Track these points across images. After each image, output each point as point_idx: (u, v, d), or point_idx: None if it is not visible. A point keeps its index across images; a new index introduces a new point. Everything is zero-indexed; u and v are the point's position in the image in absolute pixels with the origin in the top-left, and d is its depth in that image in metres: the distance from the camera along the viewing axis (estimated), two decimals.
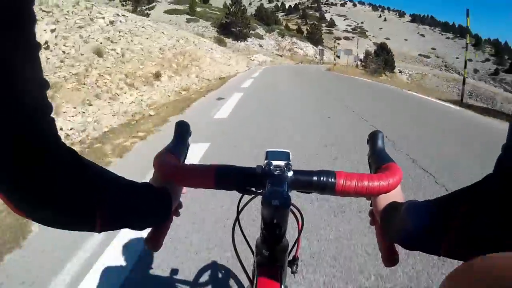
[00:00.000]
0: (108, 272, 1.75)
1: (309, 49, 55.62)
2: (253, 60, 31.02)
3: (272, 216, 0.47)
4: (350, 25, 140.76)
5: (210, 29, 46.30)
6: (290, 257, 0.65)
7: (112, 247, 1.93)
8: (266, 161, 0.53)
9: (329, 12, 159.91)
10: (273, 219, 0.48)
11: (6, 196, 0.31)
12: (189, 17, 50.21)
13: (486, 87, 71.83)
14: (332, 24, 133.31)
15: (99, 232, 0.39)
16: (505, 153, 0.31)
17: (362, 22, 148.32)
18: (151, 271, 1.74)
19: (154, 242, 0.52)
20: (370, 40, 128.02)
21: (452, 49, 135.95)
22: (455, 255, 0.36)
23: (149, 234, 0.52)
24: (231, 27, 45.03)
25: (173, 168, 0.51)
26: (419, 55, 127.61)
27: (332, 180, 0.49)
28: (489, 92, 71.36)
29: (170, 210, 0.52)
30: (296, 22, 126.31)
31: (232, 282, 1.66)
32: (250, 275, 0.64)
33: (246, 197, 0.59)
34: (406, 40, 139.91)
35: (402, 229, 0.42)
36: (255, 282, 0.57)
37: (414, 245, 0.40)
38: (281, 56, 45.76)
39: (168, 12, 51.31)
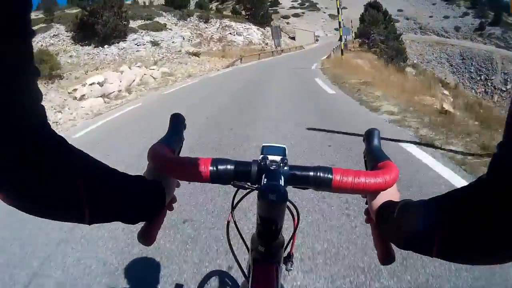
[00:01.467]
0: None
1: (253, 33, 33.51)
2: (80, 99, 7.81)
3: (268, 211, 0.47)
4: (296, 1, 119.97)
5: (62, 37, 24.65)
6: (286, 254, 0.63)
7: None
8: (261, 155, 0.52)
9: None
10: (269, 214, 0.47)
11: None
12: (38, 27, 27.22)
13: (475, 46, 54.34)
14: (275, 2, 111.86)
15: (89, 224, 0.38)
16: (500, 152, 0.30)
17: None
18: None
19: (147, 236, 0.50)
20: (324, 12, 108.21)
21: (421, 7, 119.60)
22: (446, 257, 0.35)
23: (142, 228, 0.50)
24: (96, 24, 22.25)
25: (167, 160, 0.50)
26: None
27: (329, 176, 0.48)
28: (482, 52, 53.82)
29: (164, 204, 0.51)
30: (233, 8, 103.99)
31: (226, 279, 1.59)
32: (246, 271, 0.63)
33: (240, 193, 0.59)
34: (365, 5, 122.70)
35: (396, 228, 0.42)
36: (250, 278, 0.56)
37: (408, 245, 0.40)
38: (197, 55, 22.88)
39: None
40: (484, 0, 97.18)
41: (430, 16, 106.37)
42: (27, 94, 0.29)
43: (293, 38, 52.07)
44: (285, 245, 0.60)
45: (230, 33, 31.64)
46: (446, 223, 0.34)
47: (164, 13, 33.31)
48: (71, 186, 0.34)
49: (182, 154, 0.60)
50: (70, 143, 0.35)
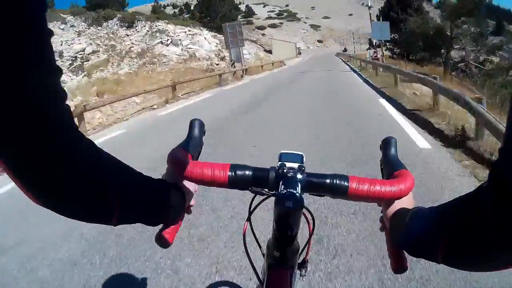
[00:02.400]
0: None
1: (203, 42, 20.90)
2: None
3: (284, 217, 0.48)
4: (273, 11, 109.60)
5: None
6: (300, 260, 0.65)
7: None
8: (279, 162, 0.53)
9: (243, 3, 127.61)
10: (285, 220, 0.49)
11: (23, 184, 0.30)
12: None
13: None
14: (250, 13, 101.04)
15: (115, 225, 0.38)
16: (501, 157, 0.29)
17: (286, 5, 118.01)
18: None
19: (165, 239, 0.51)
20: (305, 23, 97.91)
21: None
22: (451, 264, 0.36)
23: (160, 230, 0.51)
24: None
25: (187, 165, 0.51)
26: None
27: (345, 183, 0.49)
28: None
29: (184, 207, 0.53)
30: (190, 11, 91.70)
31: (242, 283, 1.60)
32: (261, 276, 0.64)
33: (258, 198, 0.59)
34: (351, 15, 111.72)
35: (406, 235, 0.43)
36: (265, 283, 0.57)
37: (418, 252, 0.40)
38: None
39: None
40: (482, 8, 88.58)
41: None
42: (48, 93, 0.28)
43: (270, 52, 40.11)
44: (300, 250, 0.60)
45: (162, 42, 18.92)
46: (449, 230, 0.34)
47: (71, 17, 20.64)
48: (103, 192, 0.35)
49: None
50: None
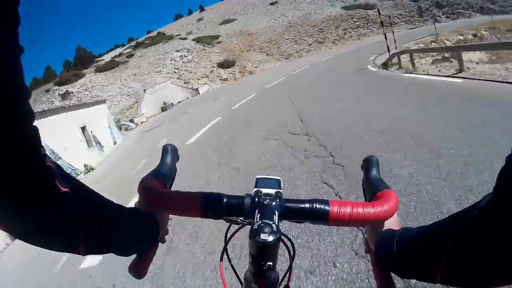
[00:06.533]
0: None
1: None
2: None
3: (261, 251, 0.45)
4: None
5: None
6: (282, 287, 0.62)
7: None
8: (255, 189, 0.52)
9: None
10: (262, 253, 0.46)
11: None
12: None
13: None
14: None
15: (84, 255, 0.38)
16: (509, 165, 0.28)
17: None
18: None
19: (139, 269, 0.49)
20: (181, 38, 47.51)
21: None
22: (452, 282, 0.35)
23: (134, 260, 0.50)
24: None
25: (158, 194, 0.49)
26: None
27: (326, 208, 0.48)
28: None
29: (157, 237, 0.52)
30: None
31: None
32: None
33: (234, 227, 0.58)
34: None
35: (397, 257, 0.42)
36: None
37: (410, 273, 0.40)
38: None
39: None
40: None
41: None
42: (15, 115, 0.27)
43: None
44: (280, 280, 0.58)
45: None
46: (453, 247, 0.33)
47: None
48: (67, 219, 0.34)
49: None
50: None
